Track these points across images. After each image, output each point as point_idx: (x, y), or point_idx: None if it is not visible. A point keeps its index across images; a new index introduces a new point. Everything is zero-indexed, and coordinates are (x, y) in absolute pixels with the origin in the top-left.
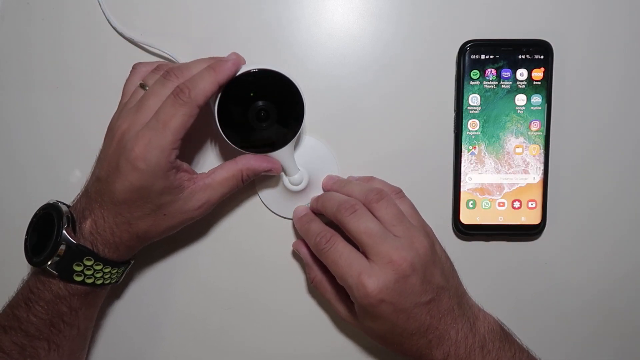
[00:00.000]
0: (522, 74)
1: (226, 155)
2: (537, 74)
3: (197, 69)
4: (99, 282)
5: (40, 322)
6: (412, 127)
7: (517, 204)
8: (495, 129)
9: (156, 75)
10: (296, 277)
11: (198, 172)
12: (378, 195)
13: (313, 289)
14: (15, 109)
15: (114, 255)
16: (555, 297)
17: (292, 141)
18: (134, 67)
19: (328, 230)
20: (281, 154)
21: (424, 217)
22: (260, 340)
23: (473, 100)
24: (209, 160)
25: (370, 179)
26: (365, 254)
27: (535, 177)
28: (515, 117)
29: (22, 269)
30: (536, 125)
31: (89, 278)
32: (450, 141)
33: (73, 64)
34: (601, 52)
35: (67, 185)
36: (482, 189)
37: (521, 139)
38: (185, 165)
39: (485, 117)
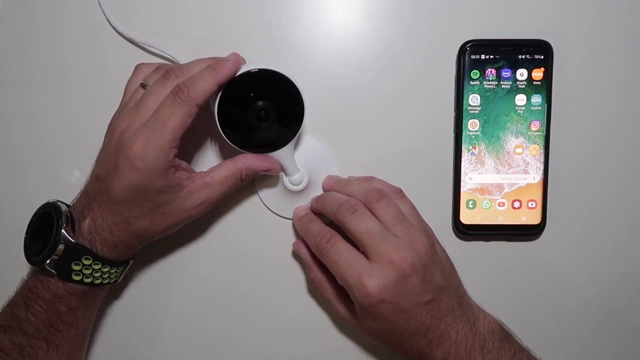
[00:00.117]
0: (522, 74)
1: (226, 154)
2: (537, 74)
3: (197, 68)
4: (98, 281)
5: (39, 321)
6: (412, 127)
7: (517, 204)
8: (495, 129)
9: (157, 75)
10: (296, 277)
11: (197, 171)
12: (378, 195)
13: (313, 289)
14: (15, 109)
15: (113, 255)
16: (555, 297)
17: (292, 141)
18: (137, 67)
19: (328, 230)
20: (281, 154)
21: (424, 217)
22: (260, 340)
23: (473, 100)
24: (208, 159)
25: (370, 179)
26: (365, 254)
27: (535, 177)
28: (515, 117)
29: (22, 268)
30: (536, 125)
31: (87, 277)
32: (450, 141)
33: (73, 64)
34: (601, 52)
35: (67, 185)
36: (482, 189)
37: (521, 139)
38: (184, 164)
39: (485, 117)
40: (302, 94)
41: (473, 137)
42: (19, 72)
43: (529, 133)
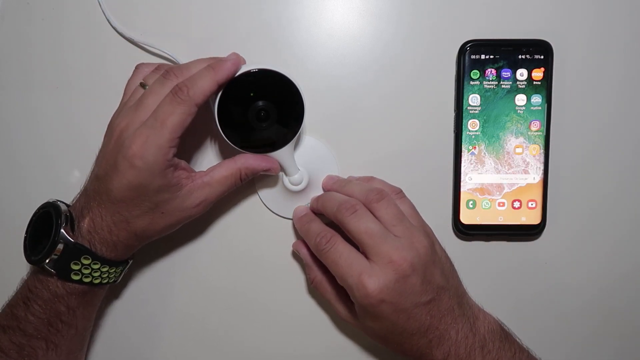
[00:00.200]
0: (522, 74)
1: (225, 154)
2: (537, 74)
3: (196, 68)
4: (97, 281)
5: (38, 321)
6: (412, 127)
7: (517, 204)
8: (495, 129)
9: (156, 75)
10: (296, 277)
11: (197, 171)
12: (378, 195)
13: (313, 289)
14: (15, 109)
15: (112, 255)
16: (555, 297)
17: (292, 141)
18: (137, 67)
19: (328, 231)
20: (281, 154)
21: (424, 217)
22: (260, 340)
23: (473, 100)
24: (207, 159)
25: (370, 179)
26: (365, 254)
27: (535, 177)
28: (515, 117)
29: (22, 268)
30: (536, 125)
31: (86, 277)
32: (450, 141)
33: (73, 64)
34: (601, 52)
35: (67, 185)
36: (482, 189)
37: (521, 139)
38: (183, 163)
39: (485, 117)
40: (302, 94)
41: (473, 137)
42: (19, 72)
43: (529, 133)
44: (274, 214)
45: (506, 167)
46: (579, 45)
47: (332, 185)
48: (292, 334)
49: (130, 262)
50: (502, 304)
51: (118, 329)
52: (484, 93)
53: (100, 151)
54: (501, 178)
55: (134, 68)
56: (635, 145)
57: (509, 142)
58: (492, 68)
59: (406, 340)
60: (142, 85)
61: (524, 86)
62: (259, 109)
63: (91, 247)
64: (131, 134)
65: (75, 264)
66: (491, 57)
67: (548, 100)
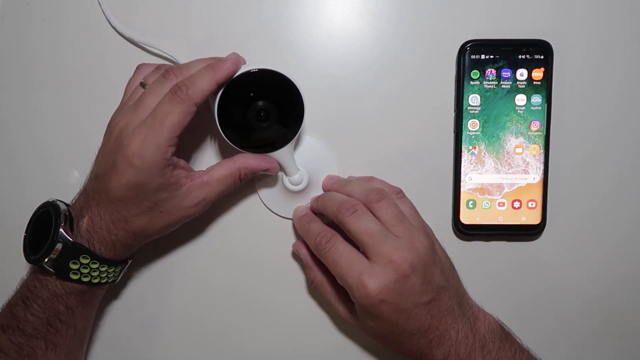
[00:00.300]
0: (522, 74)
1: (225, 153)
2: (537, 74)
3: (196, 68)
4: (95, 280)
5: (38, 320)
6: (412, 127)
7: (517, 204)
8: (495, 129)
9: (156, 74)
10: (296, 277)
11: (196, 170)
12: (378, 195)
13: (313, 289)
14: (15, 109)
15: (111, 254)
16: (555, 297)
17: (292, 141)
18: (138, 67)
19: (328, 231)
20: (281, 154)
21: (424, 217)
22: (260, 340)
23: (473, 100)
24: (207, 158)
25: (370, 179)
26: (365, 254)
27: (535, 177)
28: (515, 117)
29: (21, 268)
30: (536, 125)
31: (85, 277)
32: (450, 141)
33: (73, 64)
34: (601, 52)
35: (67, 185)
36: (482, 189)
37: (521, 139)
38: (182, 162)
39: (485, 117)
40: (302, 94)
41: (473, 137)
42: (19, 72)
43: (529, 133)
44: (274, 214)
45: (506, 167)
46: (579, 45)
47: (332, 185)
48: (292, 334)
49: (130, 262)
50: (502, 304)
51: (117, 329)
52: (484, 93)
53: (100, 150)
54: (501, 178)
55: (134, 68)
56: (635, 145)
57: (509, 142)
58: (492, 68)
59: (406, 340)
60: (142, 84)
61: (524, 86)
62: (259, 109)
63: (90, 247)
64: (130, 133)
65: (74, 263)
66: (491, 57)
67: (548, 100)
